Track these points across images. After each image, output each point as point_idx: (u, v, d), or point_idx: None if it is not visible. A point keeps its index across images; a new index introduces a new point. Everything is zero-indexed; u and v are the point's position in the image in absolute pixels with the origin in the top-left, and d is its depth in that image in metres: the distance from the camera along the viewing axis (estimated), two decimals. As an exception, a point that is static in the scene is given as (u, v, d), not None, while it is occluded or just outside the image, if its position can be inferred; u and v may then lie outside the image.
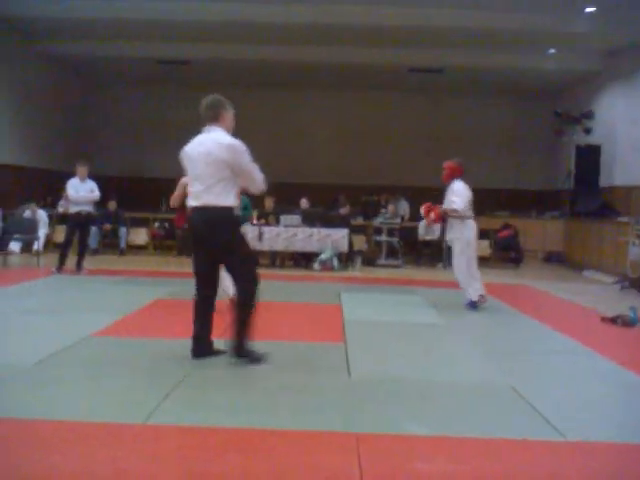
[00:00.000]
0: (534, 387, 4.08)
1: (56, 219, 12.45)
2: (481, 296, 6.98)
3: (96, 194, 9.36)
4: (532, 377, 4.43)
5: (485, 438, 3.19)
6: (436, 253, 12.31)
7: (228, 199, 4.23)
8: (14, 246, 11.54)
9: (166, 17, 12.76)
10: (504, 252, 13.14)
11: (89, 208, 9.33)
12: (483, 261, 12.88)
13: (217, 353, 4.48)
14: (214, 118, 4.38)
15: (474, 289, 6.94)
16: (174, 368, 4.22)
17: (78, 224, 9.22)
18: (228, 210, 4.25)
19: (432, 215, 7.08)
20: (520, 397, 3.85)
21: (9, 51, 13.77)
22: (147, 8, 12.39)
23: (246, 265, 4.37)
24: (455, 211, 6.87)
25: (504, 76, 15.95)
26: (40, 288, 8.01)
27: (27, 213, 11.89)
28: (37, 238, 10.87)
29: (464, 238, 6.89)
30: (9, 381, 3.85)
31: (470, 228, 6.96)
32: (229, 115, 4.46)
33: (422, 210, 7.19)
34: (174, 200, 6.11)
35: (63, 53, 15.44)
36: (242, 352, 4.32)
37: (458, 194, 6.86)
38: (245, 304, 4.30)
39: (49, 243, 12.25)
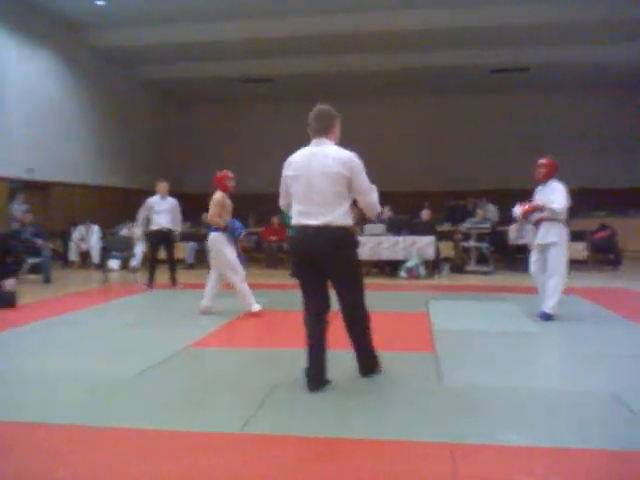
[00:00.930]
0: (636, 395, 3.86)
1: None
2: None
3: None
4: (634, 384, 4.19)
5: (586, 448, 3.05)
6: (528, 258, 11.91)
7: (348, 218, 4.00)
8: (113, 263, 12.21)
9: (250, 35, 13.19)
10: (601, 254, 12.53)
11: (169, 225, 9.60)
12: (579, 264, 12.38)
13: (328, 382, 4.13)
14: (325, 130, 4.03)
15: (558, 301, 6.42)
16: (268, 377, 4.32)
17: (160, 241, 9.55)
18: (350, 230, 4.06)
19: (527, 207, 6.50)
20: (622, 405, 3.67)
21: (107, 78, 14.70)
22: (230, 30, 12.89)
23: (359, 283, 4.25)
24: (554, 212, 6.27)
25: (592, 69, 15.32)
26: (139, 303, 8.41)
27: (124, 231, 12.54)
28: (133, 255, 11.44)
29: (563, 242, 6.37)
30: (114, 391, 4.06)
31: (567, 232, 6.44)
32: (339, 127, 4.14)
33: (519, 208, 6.60)
34: (215, 217, 6.67)
35: (153, 77, 16.30)
36: (376, 366, 4.35)
37: (560, 194, 6.27)
38: (365, 317, 4.25)
39: (145, 260, 12.86)
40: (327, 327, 4.12)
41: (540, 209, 6.35)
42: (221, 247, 6.80)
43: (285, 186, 4.16)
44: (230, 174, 7.02)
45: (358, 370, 4.30)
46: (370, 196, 4.06)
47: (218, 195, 6.89)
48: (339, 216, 3.92)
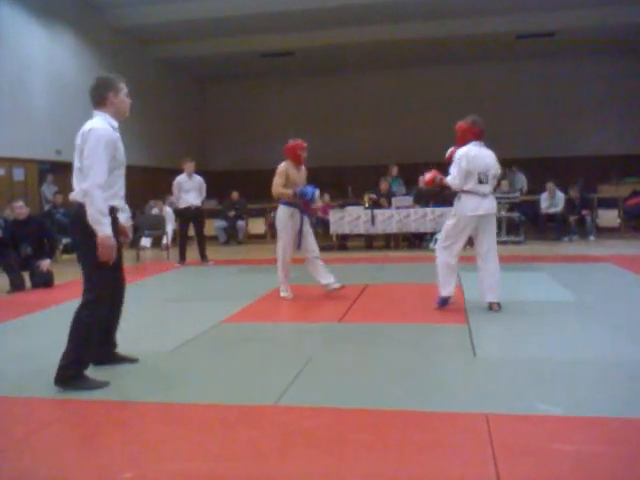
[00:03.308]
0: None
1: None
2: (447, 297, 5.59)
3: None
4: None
5: (625, 417, 3.02)
6: (561, 227, 11.76)
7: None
8: (145, 242, 12.38)
9: (266, 10, 13.06)
10: (636, 221, 12.28)
11: (198, 202, 9.67)
12: (612, 232, 12.18)
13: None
14: (96, 103, 3.79)
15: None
16: (300, 351, 4.35)
17: (189, 218, 9.65)
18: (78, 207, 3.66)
19: (427, 177, 5.68)
20: (663, 374, 3.61)
21: (128, 58, 14.74)
22: (248, 3, 12.79)
23: (89, 277, 3.77)
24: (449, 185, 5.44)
25: (622, 33, 14.80)
26: (171, 279, 8.52)
27: (155, 210, 12.67)
28: (165, 233, 11.57)
29: (452, 214, 5.48)
30: (151, 366, 4.14)
31: (462, 207, 5.33)
32: (119, 97, 3.82)
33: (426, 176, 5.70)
34: (279, 188, 6.21)
35: (173, 55, 16.30)
36: (63, 380, 3.64)
37: (455, 165, 5.34)
38: (81, 320, 3.70)
39: (177, 237, 13.00)
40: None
41: (440, 179, 5.53)
42: (281, 222, 6.30)
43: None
44: (303, 143, 6.36)
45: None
46: (86, 180, 3.60)
47: (282, 165, 6.33)
48: (78, 192, 3.68)
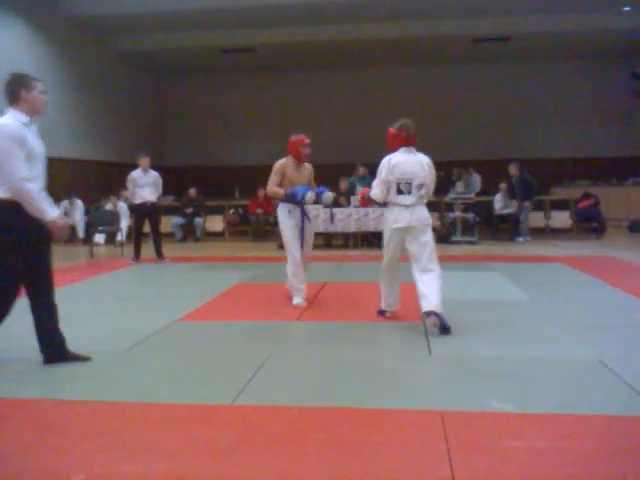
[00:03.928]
0: (622, 360, 3.93)
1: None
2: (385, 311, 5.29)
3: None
4: (620, 350, 4.26)
5: (574, 414, 3.11)
6: (514, 227, 12.02)
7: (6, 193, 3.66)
8: (99, 238, 12.12)
9: (228, 5, 12.94)
10: (585, 223, 12.66)
11: (153, 198, 9.50)
12: (564, 233, 12.52)
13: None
14: (9, 101, 3.82)
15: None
16: (258, 350, 4.33)
17: (144, 214, 9.49)
18: (8, 206, 3.66)
19: (358, 198, 5.48)
20: (609, 370, 3.73)
21: (82, 50, 14.39)
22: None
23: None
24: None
25: (575, 39, 15.26)
26: (126, 277, 8.37)
27: (109, 205, 12.43)
28: (119, 229, 11.36)
29: (385, 227, 5.17)
30: (105, 365, 4.05)
31: (385, 219, 5.10)
32: (32, 95, 3.82)
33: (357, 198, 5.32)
34: (273, 187, 5.77)
35: (130, 48, 15.98)
36: None
37: (377, 177, 5.02)
38: None
39: (131, 234, 12.79)
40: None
41: (369, 195, 5.16)
42: (280, 221, 5.91)
43: None
44: (306, 139, 5.83)
45: None
46: (5, 178, 3.64)
47: (280, 162, 5.84)
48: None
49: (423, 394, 3.45)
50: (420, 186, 4.89)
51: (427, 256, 4.86)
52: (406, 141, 4.94)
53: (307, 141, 5.85)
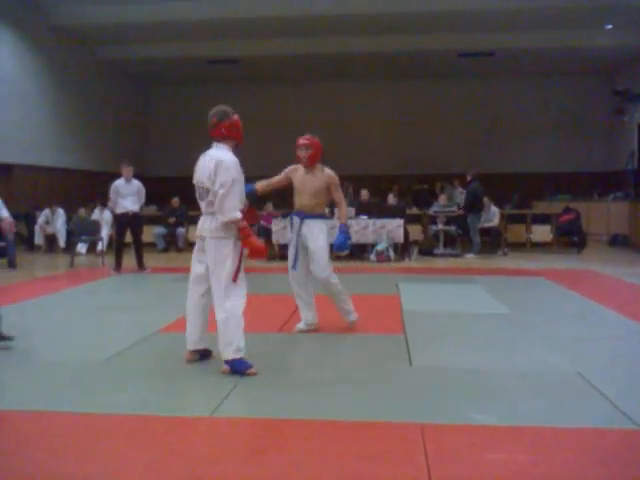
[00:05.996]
0: (602, 374, 3.96)
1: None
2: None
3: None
4: (599, 363, 4.29)
5: (555, 427, 3.12)
6: (495, 240, 12.09)
7: None
8: (81, 247, 12.00)
9: (214, 16, 12.98)
10: (566, 237, 12.77)
11: (135, 208, 9.42)
12: (545, 247, 12.62)
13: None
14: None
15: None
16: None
17: (126, 224, 9.40)
18: None
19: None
20: (588, 384, 3.75)
21: (68, 58, 14.33)
22: (194, 9, 12.66)
23: None
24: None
25: (558, 56, 15.55)
26: (107, 287, 8.28)
27: (95, 214, 12.33)
28: (101, 239, 11.25)
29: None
30: (83, 376, 4.00)
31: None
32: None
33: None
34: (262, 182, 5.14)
35: (115, 57, 15.97)
36: None
37: None
38: None
39: (112, 243, 12.67)
40: None
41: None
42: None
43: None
44: (301, 140, 5.13)
45: None
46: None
47: (290, 167, 5.26)
48: None
49: (403, 406, 3.44)
50: (208, 191, 4.14)
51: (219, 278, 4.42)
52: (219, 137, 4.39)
53: (301, 142, 5.07)
